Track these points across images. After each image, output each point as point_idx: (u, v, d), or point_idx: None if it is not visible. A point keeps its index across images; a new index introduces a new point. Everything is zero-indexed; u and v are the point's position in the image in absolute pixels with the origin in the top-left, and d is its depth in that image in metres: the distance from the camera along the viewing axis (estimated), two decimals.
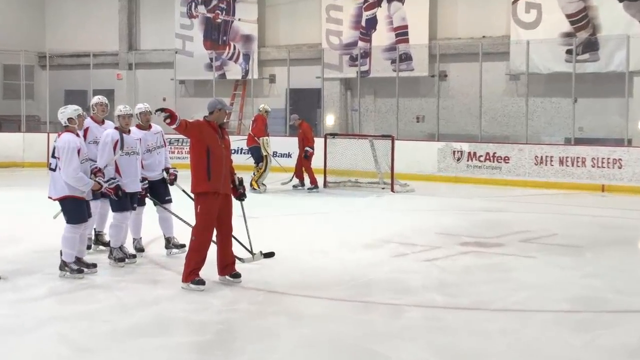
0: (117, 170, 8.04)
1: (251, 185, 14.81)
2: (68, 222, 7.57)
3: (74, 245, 7.56)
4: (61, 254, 7.63)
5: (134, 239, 8.71)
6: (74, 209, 7.52)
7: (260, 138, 15.06)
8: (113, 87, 24.08)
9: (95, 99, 8.88)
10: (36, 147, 20.70)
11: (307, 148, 15.36)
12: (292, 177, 15.74)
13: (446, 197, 14.75)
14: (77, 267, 7.58)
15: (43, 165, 18.88)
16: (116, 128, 8.13)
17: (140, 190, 8.31)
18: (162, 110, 6.91)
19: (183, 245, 8.64)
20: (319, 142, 16.31)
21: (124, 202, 8.08)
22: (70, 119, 7.57)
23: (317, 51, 21.35)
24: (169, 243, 8.79)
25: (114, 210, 8.18)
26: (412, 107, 20.48)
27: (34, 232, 9.99)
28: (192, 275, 7.14)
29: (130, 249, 8.48)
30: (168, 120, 6.86)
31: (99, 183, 7.61)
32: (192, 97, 23.68)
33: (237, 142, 17.95)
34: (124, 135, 8.12)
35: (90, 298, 6.96)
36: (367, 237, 10.09)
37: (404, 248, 9.39)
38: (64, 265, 7.59)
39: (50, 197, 7.63)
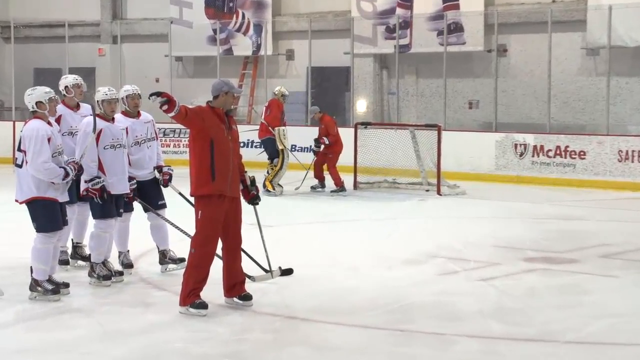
0: (100, 167, 8.09)
1: (264, 186, 14.86)
2: (38, 230, 7.60)
3: (47, 259, 7.60)
4: (32, 271, 7.66)
5: (120, 253, 8.77)
6: (45, 214, 7.55)
7: (276, 128, 15.10)
8: (94, 65, 24.23)
9: (70, 80, 8.95)
10: None
11: (324, 137, 15.39)
12: (305, 177, 15.74)
13: (506, 202, 14.70)
14: (51, 286, 7.61)
15: (8, 161, 19.00)
16: (98, 115, 8.14)
17: (128, 191, 8.37)
18: (158, 94, 6.91)
19: (182, 260, 8.66)
20: (348, 133, 16.31)
21: (108, 206, 8.12)
22: (39, 103, 7.59)
23: (345, 21, 21.36)
24: (165, 257, 8.85)
25: (95, 216, 8.22)
26: (463, 90, 20.42)
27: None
28: (191, 297, 7.17)
29: (115, 264, 8.54)
30: (165, 107, 6.87)
31: (65, 170, 7.52)
32: (191, 78, 23.78)
33: (247, 133, 18.00)
34: (108, 124, 8.18)
35: (67, 325, 7.00)
36: (408, 250, 10.09)
37: (453, 264, 9.39)
38: (35, 285, 7.63)
39: (17, 200, 7.70)
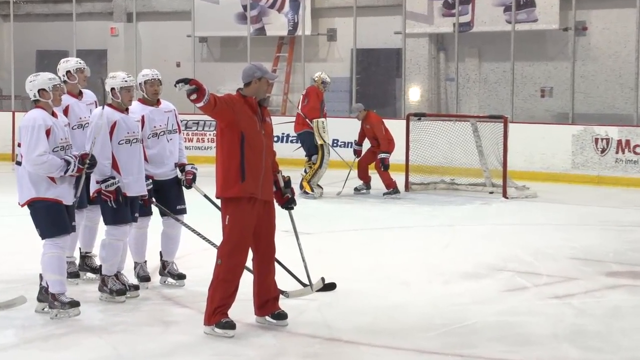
0: (114, 165, 8.11)
1: (301, 187, 14.89)
2: (42, 236, 7.65)
3: (61, 267, 7.63)
4: (46, 285, 7.65)
5: (136, 264, 8.81)
6: (47, 217, 7.58)
7: (314, 120, 15.11)
8: (105, 47, 24.47)
9: (72, 63, 8.96)
10: None
11: (383, 155, 15.27)
12: (347, 178, 15.68)
13: (585, 206, 14.64)
14: (68, 299, 7.64)
15: (7, 157, 19.32)
16: (110, 105, 8.19)
17: (145, 193, 8.39)
18: (186, 81, 6.88)
19: (182, 277, 8.83)
20: (399, 126, 16.31)
21: (122, 211, 8.15)
22: (42, 91, 7.64)
23: None
24: (164, 269, 8.92)
25: (107, 222, 8.24)
26: (534, 75, 20.35)
27: None
28: (217, 315, 7.19)
29: (130, 277, 8.60)
30: (194, 96, 6.87)
31: (66, 160, 7.51)
32: (217, 62, 23.92)
33: (281, 125, 18.05)
34: (123, 115, 8.21)
35: (74, 347, 7.04)
36: (468, 262, 10.09)
37: (522, 279, 9.37)
38: (52, 301, 7.62)
39: (19, 204, 7.78)
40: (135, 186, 8.24)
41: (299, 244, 8.32)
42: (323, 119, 15.23)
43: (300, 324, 7.52)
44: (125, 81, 8.20)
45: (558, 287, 9.00)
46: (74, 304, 7.64)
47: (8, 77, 22.85)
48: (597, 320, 7.88)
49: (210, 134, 20.07)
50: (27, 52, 24.44)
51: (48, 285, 7.66)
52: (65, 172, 7.55)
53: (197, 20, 23.01)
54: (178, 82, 6.88)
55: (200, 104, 6.91)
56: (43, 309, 7.71)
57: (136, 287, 8.47)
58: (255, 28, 22.71)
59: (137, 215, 8.39)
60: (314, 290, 8.34)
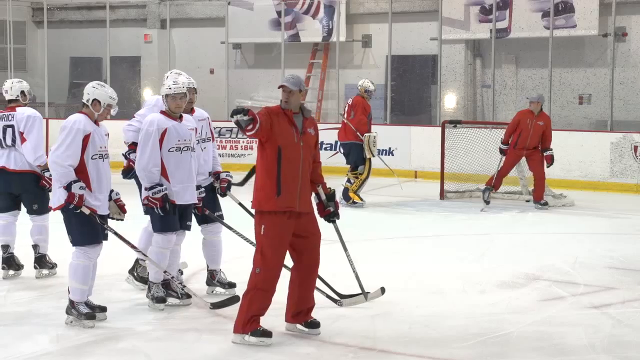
0: (163, 173, 8.18)
1: (348, 198, 14.86)
2: (73, 243, 7.76)
3: (85, 277, 7.73)
4: (69, 292, 7.80)
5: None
6: (81, 225, 7.69)
7: (366, 135, 14.88)
8: (139, 54, 24.54)
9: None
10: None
11: (551, 152, 15.12)
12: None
13: (623, 215, 14.60)
14: (86, 310, 7.73)
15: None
16: (163, 112, 8.25)
17: (196, 201, 8.43)
18: (244, 112, 6.79)
19: (233, 285, 8.85)
20: (434, 133, 16.31)
21: (169, 219, 8.21)
22: (95, 102, 7.76)
23: (432, 0, 21.36)
24: (213, 279, 8.96)
25: (155, 230, 8.32)
26: (572, 82, 20.28)
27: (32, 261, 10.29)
28: (253, 323, 7.21)
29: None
30: (250, 126, 6.86)
31: (71, 188, 7.56)
32: (251, 69, 23.96)
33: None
34: (174, 122, 8.23)
35: (108, 354, 7.11)
36: (504, 272, 10.09)
37: (559, 288, 9.36)
38: (70, 307, 7.76)
39: (50, 207, 7.89)
40: (185, 194, 8.28)
41: (347, 255, 8.33)
42: (375, 134, 15.01)
43: (334, 333, 7.55)
44: (170, 88, 8.23)
45: (595, 297, 8.99)
46: (90, 316, 7.71)
47: (42, 83, 22.93)
48: (635, 330, 7.87)
49: (243, 142, 20.14)
50: (61, 58, 24.61)
51: (69, 291, 7.76)
52: (68, 188, 7.54)
53: (231, 27, 23.04)
54: (235, 113, 6.79)
55: (252, 132, 6.89)
56: (71, 322, 7.73)
57: (188, 296, 8.44)
58: (289, 34, 22.74)
59: (189, 223, 8.47)
60: (370, 299, 8.34)
